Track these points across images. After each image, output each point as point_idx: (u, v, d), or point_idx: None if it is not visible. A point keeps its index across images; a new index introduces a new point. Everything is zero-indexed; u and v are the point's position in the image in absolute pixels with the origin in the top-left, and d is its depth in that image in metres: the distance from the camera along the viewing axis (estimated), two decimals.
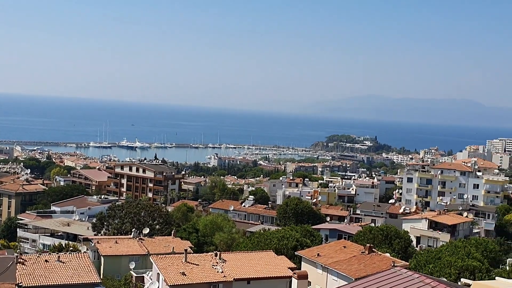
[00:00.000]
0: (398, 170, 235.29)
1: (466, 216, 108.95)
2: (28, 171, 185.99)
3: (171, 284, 47.71)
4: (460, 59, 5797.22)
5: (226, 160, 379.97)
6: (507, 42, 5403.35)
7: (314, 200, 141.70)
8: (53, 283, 49.78)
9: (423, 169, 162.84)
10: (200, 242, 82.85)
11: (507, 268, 63.72)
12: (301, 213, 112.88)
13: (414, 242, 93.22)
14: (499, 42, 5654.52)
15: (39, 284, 49.33)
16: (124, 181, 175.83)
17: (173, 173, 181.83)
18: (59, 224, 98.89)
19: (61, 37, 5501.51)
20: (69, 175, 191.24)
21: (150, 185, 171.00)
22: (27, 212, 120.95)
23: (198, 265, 51.02)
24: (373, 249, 56.39)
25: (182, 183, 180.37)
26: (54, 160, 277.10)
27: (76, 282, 50.37)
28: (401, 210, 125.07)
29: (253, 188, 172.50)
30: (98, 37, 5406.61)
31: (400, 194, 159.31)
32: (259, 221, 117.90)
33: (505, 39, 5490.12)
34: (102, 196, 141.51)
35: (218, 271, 50.45)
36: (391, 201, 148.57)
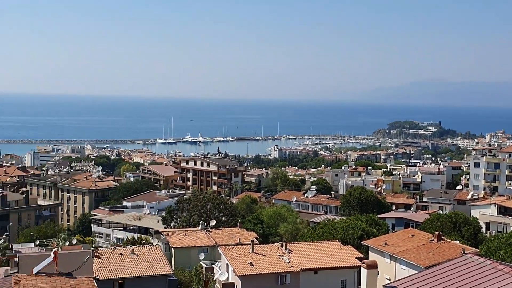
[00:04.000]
0: (465, 155, 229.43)
1: None
2: (100, 168, 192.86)
3: (240, 274, 47.76)
4: None
5: (287, 151, 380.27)
6: None
7: (378, 188, 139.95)
8: (128, 275, 50.88)
9: (490, 154, 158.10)
10: (265, 233, 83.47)
11: None
12: (366, 202, 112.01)
13: (484, 229, 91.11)
14: None
15: (116, 277, 50.49)
16: (189, 175, 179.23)
17: (236, 166, 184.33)
18: (130, 218, 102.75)
19: (113, 37, 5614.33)
20: (138, 171, 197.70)
21: (214, 178, 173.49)
22: (100, 207, 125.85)
23: (265, 255, 50.82)
24: (442, 237, 55.37)
25: (245, 175, 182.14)
26: (123, 157, 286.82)
27: (150, 274, 51.58)
28: (469, 196, 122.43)
29: (315, 179, 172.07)
30: (154, 35, 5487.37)
31: (468, 180, 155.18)
32: (323, 211, 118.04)
33: None
34: (170, 190, 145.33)
35: (285, 262, 50.04)
36: (458, 187, 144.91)
